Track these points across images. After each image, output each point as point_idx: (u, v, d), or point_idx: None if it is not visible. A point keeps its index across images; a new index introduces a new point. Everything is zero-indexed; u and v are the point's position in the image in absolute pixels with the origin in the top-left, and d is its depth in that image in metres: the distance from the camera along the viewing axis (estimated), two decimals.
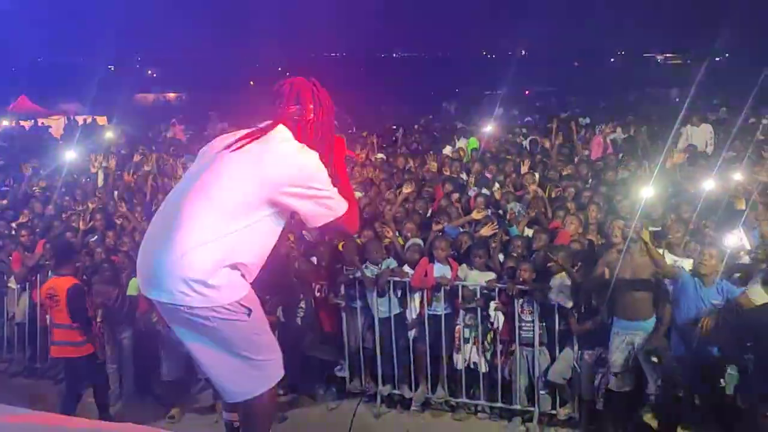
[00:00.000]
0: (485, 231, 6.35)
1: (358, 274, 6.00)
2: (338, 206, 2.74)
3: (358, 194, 8.15)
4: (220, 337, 2.67)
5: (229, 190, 2.59)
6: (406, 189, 7.27)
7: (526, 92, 23.25)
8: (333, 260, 6.23)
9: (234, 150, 2.65)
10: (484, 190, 8.40)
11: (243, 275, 2.65)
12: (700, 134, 10.83)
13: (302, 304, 6.17)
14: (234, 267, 2.60)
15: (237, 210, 2.59)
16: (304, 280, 6.18)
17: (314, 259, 6.30)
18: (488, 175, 9.15)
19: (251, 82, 31.61)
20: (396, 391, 6.21)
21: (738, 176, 6.90)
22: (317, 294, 6.18)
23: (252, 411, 2.87)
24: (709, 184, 6.86)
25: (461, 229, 6.81)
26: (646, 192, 6.25)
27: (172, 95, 38.08)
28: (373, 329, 6.16)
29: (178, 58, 45.56)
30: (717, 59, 26.57)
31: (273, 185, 2.60)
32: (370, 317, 6.16)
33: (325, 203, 2.70)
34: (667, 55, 34.18)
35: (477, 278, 5.83)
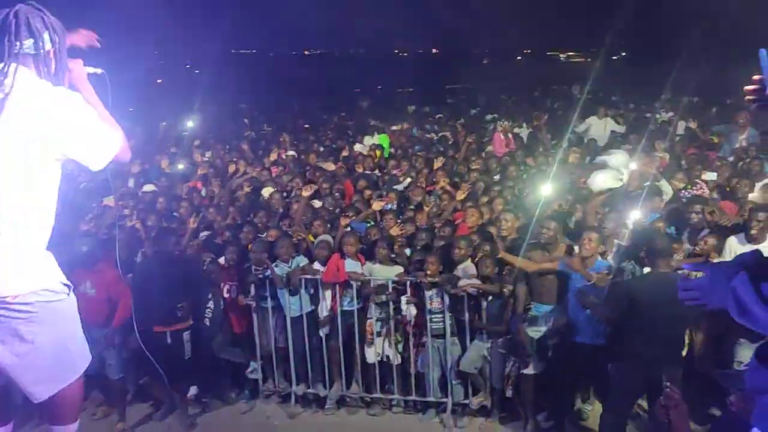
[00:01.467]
0: (394, 231, 6.38)
1: (268, 273, 5.90)
2: (114, 138, 2.57)
3: (269, 190, 8.04)
4: (38, 328, 2.50)
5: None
6: (308, 191, 7.21)
7: (436, 89, 23.62)
8: (241, 259, 6.10)
9: None
10: (396, 186, 8.47)
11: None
12: (603, 128, 11.32)
13: (210, 305, 6.00)
14: (40, 245, 2.50)
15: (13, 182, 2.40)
16: (211, 281, 6.02)
17: (222, 260, 6.14)
18: (399, 171, 9.22)
19: None
20: (311, 390, 6.15)
21: (633, 166, 7.24)
22: (226, 295, 6.03)
23: (63, 402, 2.73)
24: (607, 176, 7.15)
25: (370, 224, 6.83)
26: (548, 185, 6.49)
27: None
28: (285, 328, 6.08)
29: None
30: (614, 58, 28.00)
31: (36, 140, 2.39)
32: (281, 316, 6.08)
33: (101, 140, 2.53)
34: (570, 53, 35.67)
35: (383, 272, 5.85)
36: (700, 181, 6.62)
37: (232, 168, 9.32)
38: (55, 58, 2.54)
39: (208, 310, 5.98)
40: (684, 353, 4.91)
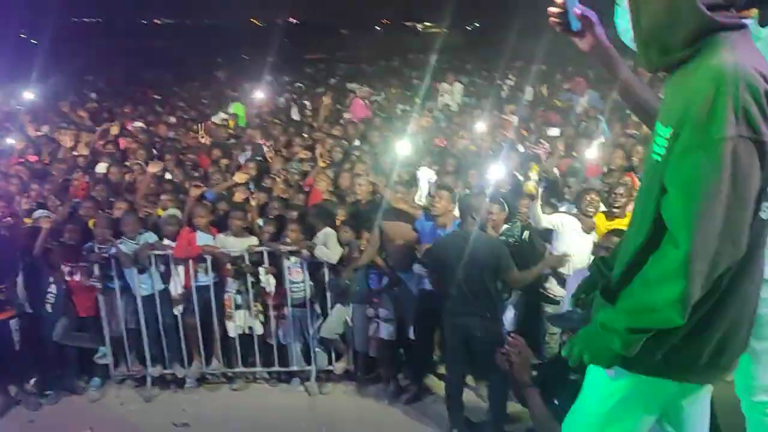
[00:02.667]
0: (238, 196, 6.17)
1: (113, 251, 5.50)
2: None
3: (104, 165, 7.49)
4: None
5: None
6: (156, 165, 6.79)
7: (294, 59, 23.18)
8: (83, 238, 5.64)
9: None
10: (253, 155, 8.21)
11: None
12: (454, 93, 11.64)
13: (52, 290, 5.52)
14: None
15: None
16: (51, 263, 5.53)
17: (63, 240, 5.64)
18: (258, 141, 8.96)
19: None
20: (168, 371, 5.86)
21: (484, 128, 7.49)
22: (68, 277, 5.57)
23: None
24: (461, 139, 7.37)
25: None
26: (405, 148, 6.54)
27: None
28: (135, 309, 5.72)
29: None
30: (469, 28, 28.87)
31: None
32: (131, 297, 5.71)
33: None
34: (427, 24, 36.36)
35: (236, 244, 5.64)
36: (543, 141, 6.95)
37: (67, 141, 8.60)
38: None
39: (50, 294, 5.51)
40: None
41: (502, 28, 15.69)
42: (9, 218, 5.76)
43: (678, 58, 1.72)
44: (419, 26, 36.97)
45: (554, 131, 7.67)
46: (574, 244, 5.20)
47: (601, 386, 1.90)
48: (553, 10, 2.00)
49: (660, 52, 1.75)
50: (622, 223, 5.02)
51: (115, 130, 9.42)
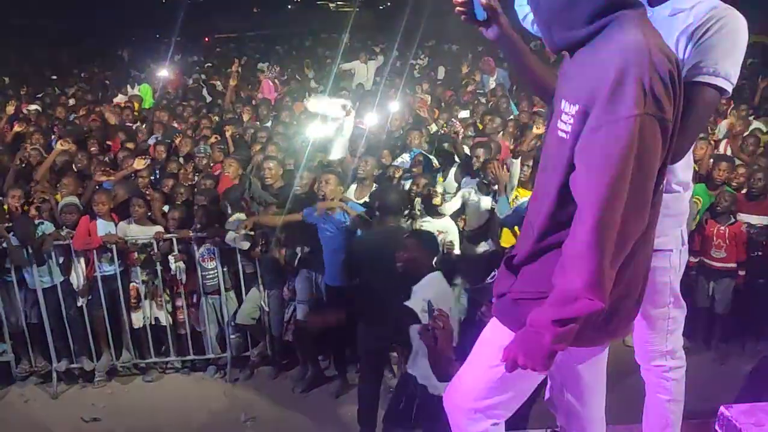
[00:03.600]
0: (134, 167, 5.92)
1: (5, 245, 5.18)
2: None
3: None
4: None
5: None
6: (62, 145, 6.40)
7: (206, 39, 22.45)
8: None
9: None
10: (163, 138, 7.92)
11: None
12: (366, 72, 11.62)
13: None
14: None
15: None
16: None
17: None
18: (167, 123, 8.64)
19: None
20: (75, 365, 5.61)
21: (396, 108, 7.51)
22: None
23: None
24: (372, 118, 7.35)
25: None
26: (316, 130, 6.46)
27: None
28: (36, 303, 5.43)
29: None
30: (381, 7, 28.78)
31: None
32: (31, 290, 5.41)
33: None
34: (339, 3, 35.99)
35: (140, 232, 5.44)
36: (455, 120, 7.04)
37: None
38: None
39: None
40: None
41: (413, 8, 15.72)
42: None
43: (581, 37, 1.73)
44: (331, 5, 36.55)
45: (464, 113, 7.79)
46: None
47: (491, 354, 1.90)
48: (457, 0, 2.00)
49: (562, 31, 1.76)
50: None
51: (10, 110, 8.84)
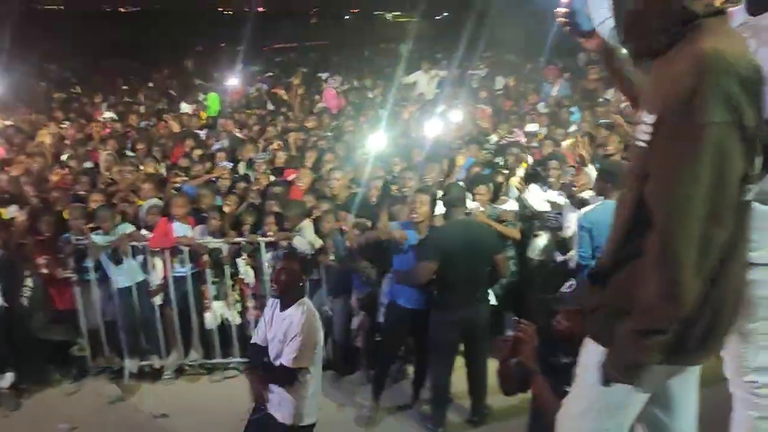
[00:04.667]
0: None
1: (86, 242, 5.44)
2: None
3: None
4: None
5: None
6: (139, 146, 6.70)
7: (264, 47, 22.92)
8: (59, 230, 5.56)
9: None
10: (225, 144, 8.17)
11: None
12: (428, 83, 11.64)
13: (28, 283, 5.44)
14: None
15: None
16: (26, 256, 5.44)
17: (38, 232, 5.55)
18: (230, 130, 8.89)
19: None
20: (145, 363, 5.83)
21: (458, 119, 7.55)
22: (44, 270, 5.48)
23: None
24: (436, 128, 7.40)
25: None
26: (383, 140, 6.56)
27: None
28: (113, 301, 5.67)
29: None
30: (438, 17, 28.82)
31: None
32: (108, 289, 5.66)
33: None
34: (396, 13, 36.24)
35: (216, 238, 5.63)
36: (516, 130, 7.03)
37: (46, 135, 8.43)
38: None
39: (26, 288, 5.43)
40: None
41: (471, 18, 15.68)
42: None
43: (660, 46, 1.72)
44: (388, 15, 36.82)
45: (533, 126, 7.73)
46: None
47: (592, 376, 1.88)
48: (560, 10, 2.02)
49: (642, 40, 1.76)
50: None
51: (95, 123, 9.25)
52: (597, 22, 2.30)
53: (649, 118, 1.72)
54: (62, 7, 40.36)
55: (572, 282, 4.42)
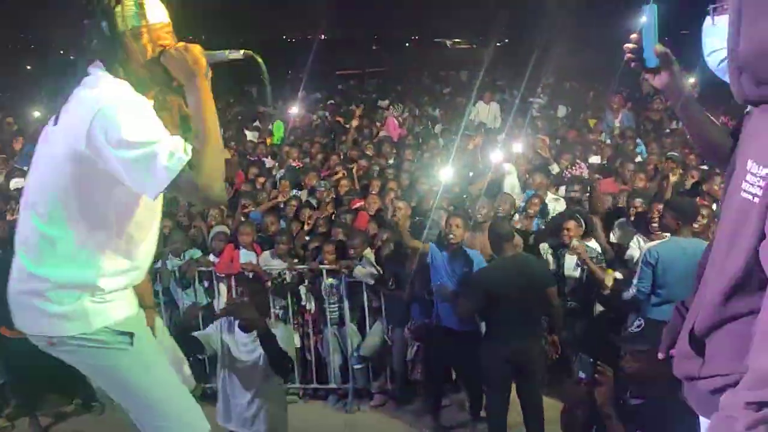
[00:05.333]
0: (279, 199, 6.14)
1: (159, 267, 5.64)
2: (166, 160, 1.93)
3: None
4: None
5: (36, 175, 2.18)
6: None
7: (326, 75, 23.39)
8: None
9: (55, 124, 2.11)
10: (287, 172, 8.34)
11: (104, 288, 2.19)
12: (489, 112, 11.63)
13: None
14: (82, 283, 2.16)
15: (46, 198, 2.12)
16: None
17: None
18: (294, 158, 9.08)
19: None
20: (207, 386, 5.95)
21: (519, 148, 7.51)
22: None
23: None
24: (497, 156, 7.38)
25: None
26: (448, 170, 6.58)
27: None
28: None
29: None
30: (498, 44, 28.85)
31: (70, 150, 2.02)
32: (175, 311, 5.84)
33: (147, 159, 1.93)
34: (455, 40, 36.46)
35: (277, 263, 5.75)
36: (579, 162, 6.95)
37: None
38: (134, 43, 2.11)
39: None
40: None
41: (532, 45, 15.61)
42: None
43: None
44: (448, 42, 37.06)
45: (596, 158, 7.62)
46: None
47: None
48: (628, 45, 1.99)
49: (756, 82, 1.58)
50: None
51: None
52: (706, 52, 2.14)
53: (758, 169, 1.56)
54: None
55: (640, 321, 4.38)
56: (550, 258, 5.46)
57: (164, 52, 2.11)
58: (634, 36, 1.99)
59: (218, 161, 2.04)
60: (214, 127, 2.06)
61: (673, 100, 2.07)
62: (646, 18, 1.95)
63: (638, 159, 7.62)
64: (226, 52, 2.15)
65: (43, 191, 2.14)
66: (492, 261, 4.91)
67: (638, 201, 5.61)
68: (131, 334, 2.25)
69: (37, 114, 13.35)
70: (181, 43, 2.14)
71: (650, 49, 1.96)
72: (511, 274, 4.57)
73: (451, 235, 4.95)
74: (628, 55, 2.01)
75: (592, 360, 2.84)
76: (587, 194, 6.06)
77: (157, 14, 2.13)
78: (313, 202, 7.13)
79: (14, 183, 7.93)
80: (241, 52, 2.15)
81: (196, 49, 2.10)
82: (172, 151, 1.93)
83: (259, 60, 2.15)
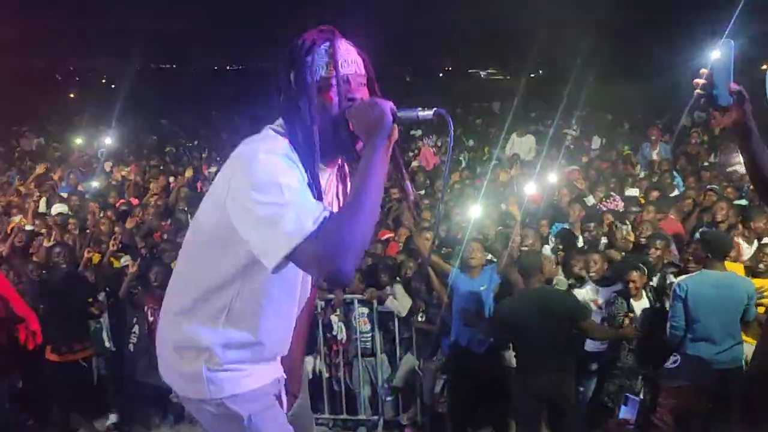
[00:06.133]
0: None
1: None
2: (291, 226, 1.66)
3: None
4: None
5: (189, 235, 2.06)
6: None
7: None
8: (167, 281, 5.84)
9: None
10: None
11: (233, 362, 1.98)
12: (524, 144, 11.60)
13: (135, 330, 5.75)
14: (206, 349, 1.96)
15: (194, 261, 2.00)
16: (135, 304, 5.77)
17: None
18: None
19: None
20: None
21: (554, 179, 7.47)
22: (151, 317, 5.78)
23: None
24: (531, 188, 7.36)
25: None
26: (480, 201, 6.58)
27: None
28: None
29: None
30: (532, 75, 28.90)
31: (216, 206, 1.85)
32: None
33: (268, 222, 1.69)
34: (489, 71, 36.60)
35: None
36: (614, 194, 6.88)
37: (158, 184, 9.02)
38: (316, 98, 1.89)
39: (133, 334, 5.74)
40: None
41: (566, 76, 15.61)
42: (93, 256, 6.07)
43: None
44: (482, 73, 37.21)
45: (632, 191, 7.53)
46: None
47: None
48: (699, 81, 1.96)
49: None
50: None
51: (189, 173, 9.83)
52: None
53: None
54: (174, 66, 43.45)
55: (677, 357, 4.27)
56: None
57: (350, 108, 1.87)
58: (704, 71, 1.95)
59: (361, 236, 1.70)
60: (375, 198, 1.75)
61: (741, 138, 2.03)
62: (721, 54, 1.90)
63: (675, 192, 7.51)
64: (419, 109, 1.86)
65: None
66: (517, 292, 4.88)
67: (659, 242, 5.44)
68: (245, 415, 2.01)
69: (79, 141, 13.76)
70: (372, 97, 1.91)
71: (723, 87, 1.91)
72: (533, 306, 4.53)
73: (472, 259, 5.04)
74: (698, 91, 1.97)
75: (639, 401, 2.76)
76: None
77: (350, 63, 1.92)
78: None
79: (56, 208, 8.14)
80: (433, 110, 1.85)
81: (385, 104, 1.83)
82: (300, 217, 1.67)
83: (448, 119, 1.83)
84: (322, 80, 1.86)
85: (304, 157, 1.84)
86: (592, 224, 6.07)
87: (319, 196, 1.83)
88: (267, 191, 1.70)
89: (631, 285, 4.89)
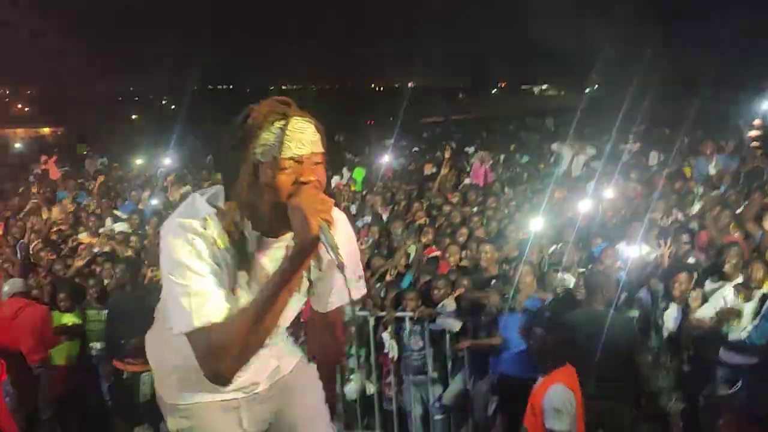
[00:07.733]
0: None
1: None
2: (185, 315, 1.76)
3: None
4: None
5: None
6: None
7: (369, 122, 23.57)
8: None
9: None
10: (372, 219, 8.43)
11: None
12: (578, 160, 11.38)
13: None
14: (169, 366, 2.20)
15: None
16: None
17: None
18: (378, 205, 9.18)
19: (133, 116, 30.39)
20: None
21: (610, 194, 7.32)
22: None
23: None
24: (585, 205, 7.22)
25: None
26: (536, 218, 6.50)
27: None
28: None
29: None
30: (587, 90, 28.50)
31: None
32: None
33: (173, 300, 1.80)
34: (543, 87, 36.28)
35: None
36: (675, 210, 6.67)
37: None
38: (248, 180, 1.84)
39: None
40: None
41: (623, 91, 15.32)
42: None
43: None
44: (536, 89, 36.94)
45: (693, 208, 7.29)
46: None
47: None
48: (754, 134, 1.90)
49: None
50: None
51: None
52: None
53: None
54: (231, 87, 44.72)
55: (739, 382, 4.09)
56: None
57: (292, 202, 1.76)
58: (757, 122, 1.88)
59: (243, 344, 1.74)
60: (271, 318, 1.76)
61: None
62: None
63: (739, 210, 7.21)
64: (331, 248, 1.72)
65: None
66: (579, 309, 4.83)
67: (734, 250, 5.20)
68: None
69: (139, 161, 14.21)
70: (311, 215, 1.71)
71: None
72: (591, 326, 4.44)
73: (520, 285, 5.04)
74: (754, 144, 1.90)
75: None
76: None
77: (305, 144, 1.84)
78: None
79: (118, 227, 8.42)
80: (337, 261, 1.71)
81: (316, 229, 1.70)
82: (193, 308, 1.76)
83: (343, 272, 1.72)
84: (274, 160, 1.78)
85: (234, 232, 1.85)
86: None
87: (245, 268, 1.88)
88: (176, 270, 1.78)
89: (676, 286, 4.83)
